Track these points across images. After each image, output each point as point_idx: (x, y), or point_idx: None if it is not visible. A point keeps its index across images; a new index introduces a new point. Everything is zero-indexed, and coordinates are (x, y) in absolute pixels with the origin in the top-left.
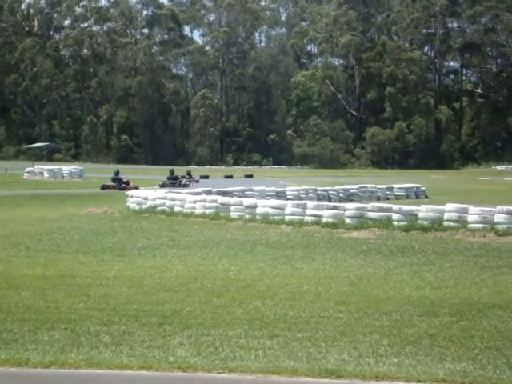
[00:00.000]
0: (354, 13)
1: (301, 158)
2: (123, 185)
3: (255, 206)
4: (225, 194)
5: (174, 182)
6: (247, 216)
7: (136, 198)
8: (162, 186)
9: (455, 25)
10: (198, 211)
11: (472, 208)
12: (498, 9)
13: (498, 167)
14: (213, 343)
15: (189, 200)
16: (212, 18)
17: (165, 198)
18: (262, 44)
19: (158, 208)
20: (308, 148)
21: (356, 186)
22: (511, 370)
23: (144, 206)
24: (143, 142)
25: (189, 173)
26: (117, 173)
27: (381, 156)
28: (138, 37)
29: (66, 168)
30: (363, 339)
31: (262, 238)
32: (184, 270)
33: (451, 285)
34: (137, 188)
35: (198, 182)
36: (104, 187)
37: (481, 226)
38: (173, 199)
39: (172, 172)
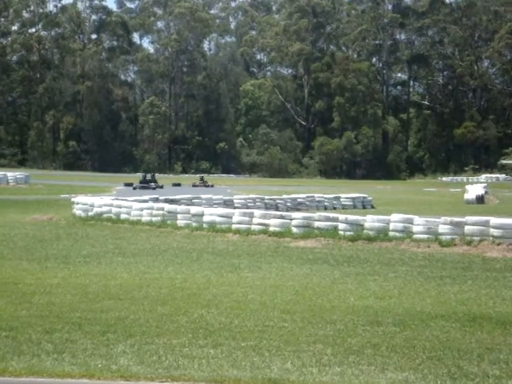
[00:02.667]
0: (303, 22)
1: (249, 166)
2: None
3: (202, 214)
4: (172, 201)
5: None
6: (194, 224)
7: (82, 204)
8: (135, 188)
9: (403, 37)
10: (145, 219)
11: (417, 219)
12: (444, 22)
13: (444, 178)
14: (156, 352)
15: (135, 207)
16: (161, 25)
17: (111, 205)
18: (212, 52)
19: (105, 215)
20: (257, 157)
21: (303, 196)
22: (452, 380)
23: (90, 213)
24: (91, 148)
25: (153, 176)
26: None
27: (329, 166)
28: (86, 43)
29: (12, 174)
30: (307, 348)
31: (208, 246)
32: (129, 278)
33: (395, 295)
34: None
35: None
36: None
37: (425, 236)
38: (119, 206)
39: (145, 176)
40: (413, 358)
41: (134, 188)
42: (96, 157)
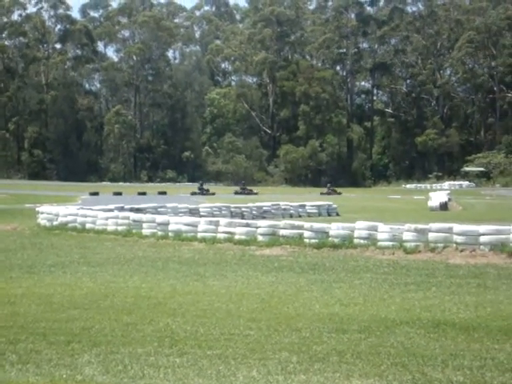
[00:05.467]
0: (267, 31)
1: (215, 175)
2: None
3: (168, 223)
4: (137, 210)
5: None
6: (160, 233)
7: (47, 214)
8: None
9: (366, 45)
10: (110, 228)
11: (382, 226)
12: (407, 30)
13: (408, 186)
14: (122, 361)
15: (101, 217)
16: (126, 34)
17: (76, 215)
18: (177, 61)
19: (70, 225)
20: (222, 165)
21: (269, 204)
22: None
23: (55, 223)
24: (56, 157)
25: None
26: (243, 184)
27: (294, 174)
28: (50, 52)
29: None
30: (273, 356)
31: (174, 255)
32: (94, 288)
33: (360, 302)
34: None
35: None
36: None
37: (390, 243)
38: (84, 216)
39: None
40: (377, 364)
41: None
42: (61, 166)
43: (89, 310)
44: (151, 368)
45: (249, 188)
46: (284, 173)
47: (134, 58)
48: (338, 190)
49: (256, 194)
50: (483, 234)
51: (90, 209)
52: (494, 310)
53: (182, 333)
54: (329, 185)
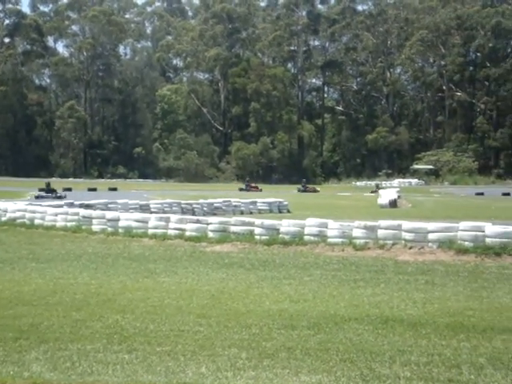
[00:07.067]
0: (219, 28)
1: (166, 171)
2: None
3: (118, 219)
4: (87, 206)
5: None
6: (110, 229)
7: None
8: (38, 197)
9: (317, 43)
10: (60, 224)
11: (332, 223)
12: (357, 29)
13: (358, 183)
14: (70, 358)
15: (50, 213)
16: (76, 29)
17: (25, 211)
18: (128, 57)
19: (18, 220)
20: (174, 162)
21: (220, 200)
22: (364, 382)
23: (3, 219)
24: (4, 153)
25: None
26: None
27: (245, 170)
28: None
29: None
30: (222, 353)
31: (124, 251)
32: (43, 284)
33: (310, 298)
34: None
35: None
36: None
37: (340, 240)
38: (33, 212)
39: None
40: (326, 360)
41: (37, 197)
42: (10, 161)
43: (37, 306)
44: (100, 365)
45: (253, 185)
46: (235, 169)
47: (85, 53)
48: (315, 186)
49: (261, 190)
50: (431, 232)
51: (40, 205)
52: (442, 307)
53: (132, 329)
54: (304, 180)
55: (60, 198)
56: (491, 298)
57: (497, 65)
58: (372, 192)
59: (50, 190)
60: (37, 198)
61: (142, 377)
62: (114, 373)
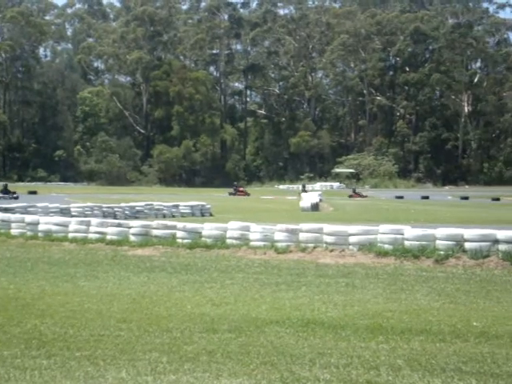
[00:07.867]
0: (141, 30)
1: (88, 174)
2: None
3: (37, 223)
4: (6, 210)
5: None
6: (29, 233)
7: None
8: None
9: (239, 47)
10: None
11: (254, 226)
12: (279, 32)
13: (281, 186)
14: None
15: None
16: None
17: None
18: (48, 59)
19: None
20: (95, 165)
21: (142, 204)
22: None
23: None
24: None
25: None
26: (236, 185)
27: (168, 174)
28: None
29: None
30: (143, 357)
31: (43, 255)
32: None
33: (231, 301)
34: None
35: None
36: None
37: (262, 243)
38: None
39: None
40: (247, 363)
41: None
42: None
43: None
44: (17, 370)
45: (241, 189)
46: (158, 172)
47: (3, 54)
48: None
49: (249, 195)
50: (352, 235)
51: None
52: (361, 309)
53: (51, 334)
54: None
55: (16, 199)
56: (409, 299)
57: (416, 70)
58: (300, 193)
59: (7, 192)
60: None
61: (61, 382)
62: (31, 379)
